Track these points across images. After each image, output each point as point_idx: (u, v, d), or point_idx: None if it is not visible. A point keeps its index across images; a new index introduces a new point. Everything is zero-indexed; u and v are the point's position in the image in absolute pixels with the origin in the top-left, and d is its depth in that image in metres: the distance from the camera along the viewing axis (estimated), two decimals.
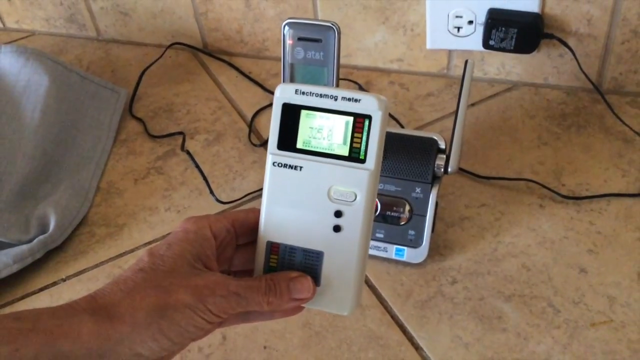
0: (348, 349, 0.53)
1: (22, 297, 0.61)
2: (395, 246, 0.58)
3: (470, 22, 0.72)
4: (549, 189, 0.63)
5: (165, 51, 0.90)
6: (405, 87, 0.79)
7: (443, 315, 0.54)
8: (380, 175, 0.56)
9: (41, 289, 0.61)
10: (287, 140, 0.38)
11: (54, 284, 0.62)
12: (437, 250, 0.59)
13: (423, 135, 0.58)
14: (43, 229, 0.65)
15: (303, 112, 0.38)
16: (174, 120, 0.80)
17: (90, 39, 0.97)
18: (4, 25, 1.02)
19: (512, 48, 0.71)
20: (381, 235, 0.58)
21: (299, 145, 0.38)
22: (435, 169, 0.56)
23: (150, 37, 0.92)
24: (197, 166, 0.72)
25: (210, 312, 0.35)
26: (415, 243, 0.57)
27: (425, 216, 0.57)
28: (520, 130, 0.71)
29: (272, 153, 0.38)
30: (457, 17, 0.72)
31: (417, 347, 0.52)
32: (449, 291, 0.56)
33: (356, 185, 0.37)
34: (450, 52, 0.77)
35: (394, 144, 0.58)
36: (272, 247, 0.39)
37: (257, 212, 0.39)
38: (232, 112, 0.79)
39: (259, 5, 0.82)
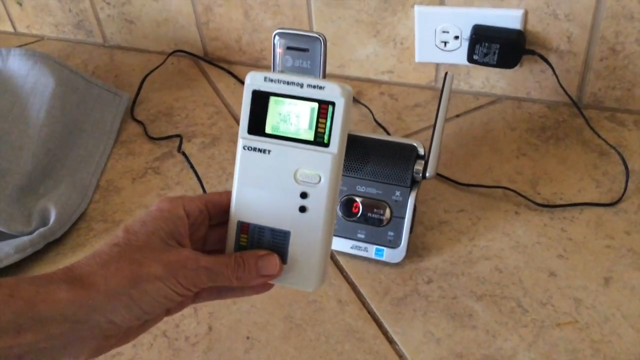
0: (326, 341, 0.56)
1: None
2: (375, 246, 0.61)
3: (456, 37, 0.76)
4: (524, 197, 0.66)
5: (167, 58, 0.94)
6: (394, 97, 0.83)
7: (417, 312, 0.57)
8: (363, 179, 0.60)
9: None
10: (257, 125, 0.41)
11: (29, 262, 0.65)
12: (415, 252, 0.62)
13: (404, 141, 0.61)
14: (44, 222, 0.69)
15: (271, 99, 0.40)
16: (172, 123, 0.83)
17: (97, 45, 1.01)
18: (14, 29, 1.06)
19: (495, 63, 0.74)
20: (362, 236, 0.61)
21: (268, 130, 0.41)
22: (414, 173, 0.59)
23: (154, 45, 0.96)
24: (192, 167, 0.75)
25: (180, 285, 0.38)
26: (394, 244, 0.60)
27: (404, 218, 0.60)
28: (501, 141, 0.74)
29: (243, 137, 0.41)
30: (443, 32, 0.76)
31: (391, 341, 0.55)
32: (424, 290, 0.59)
33: (320, 168, 0.40)
34: (437, 65, 0.81)
35: (376, 149, 0.61)
36: (242, 226, 0.42)
37: (229, 194, 0.42)
38: (229, 117, 0.83)
39: (257, 17, 0.86)
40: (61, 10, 1.00)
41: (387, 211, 0.60)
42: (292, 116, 0.40)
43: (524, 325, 0.55)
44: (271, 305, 0.59)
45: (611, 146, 0.71)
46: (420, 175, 0.59)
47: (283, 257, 0.41)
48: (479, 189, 0.68)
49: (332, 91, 0.39)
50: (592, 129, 0.73)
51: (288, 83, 0.40)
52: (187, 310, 0.59)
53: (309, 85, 0.40)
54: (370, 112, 0.80)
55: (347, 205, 0.61)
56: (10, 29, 1.06)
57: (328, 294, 0.60)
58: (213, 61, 0.93)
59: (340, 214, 0.61)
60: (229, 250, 0.42)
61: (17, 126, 0.76)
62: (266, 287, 0.43)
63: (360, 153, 0.61)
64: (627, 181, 0.67)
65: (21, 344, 0.34)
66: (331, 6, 0.80)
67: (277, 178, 0.41)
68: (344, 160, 0.41)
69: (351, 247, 0.62)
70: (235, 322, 0.58)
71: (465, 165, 0.71)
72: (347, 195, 0.61)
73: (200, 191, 0.72)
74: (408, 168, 0.59)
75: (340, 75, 0.86)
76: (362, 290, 0.60)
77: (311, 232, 0.41)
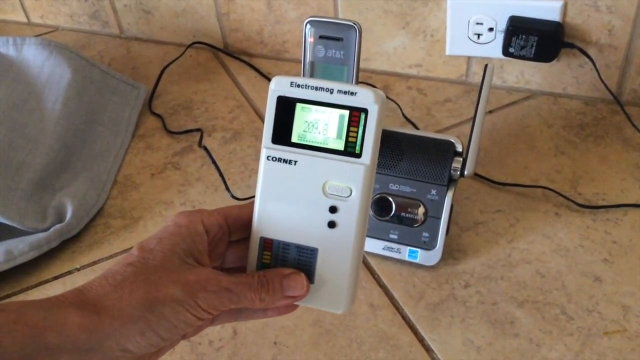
0: (358, 348, 0.52)
1: (37, 285, 0.62)
2: (409, 248, 0.58)
3: (491, 29, 0.72)
4: (565, 197, 0.63)
5: (186, 50, 0.91)
6: (423, 92, 0.79)
7: (455, 318, 0.54)
8: (397, 176, 0.57)
9: (55, 277, 0.62)
10: (282, 134, 0.38)
11: (69, 272, 0.62)
12: (451, 254, 0.59)
13: (440, 137, 0.58)
14: (60, 218, 0.66)
15: (298, 106, 0.37)
16: (192, 117, 0.80)
17: (113, 36, 0.98)
18: (28, 20, 1.04)
19: (532, 56, 0.71)
20: (395, 237, 0.58)
21: (294, 139, 0.37)
22: (452, 171, 0.56)
23: (172, 36, 0.93)
24: (214, 162, 0.72)
25: (200, 308, 0.34)
26: (429, 245, 0.57)
27: (440, 218, 0.57)
28: (537, 139, 0.71)
29: (267, 147, 0.38)
30: (477, 23, 0.73)
31: (427, 349, 0.52)
32: (462, 294, 0.56)
33: (352, 180, 0.37)
34: (469, 59, 0.78)
35: (410, 145, 0.58)
36: (266, 243, 0.38)
37: (251, 207, 0.39)
38: (250, 112, 0.80)
39: (280, 7, 0.83)
40: (77, 1, 0.97)
41: (422, 211, 0.57)
42: (320, 124, 0.37)
43: (569, 334, 0.52)
44: (300, 308, 0.55)
45: None
46: (459, 173, 0.56)
47: (310, 277, 0.38)
48: (516, 188, 0.65)
49: (365, 98, 0.36)
50: (634, 125, 0.70)
51: (317, 89, 0.37)
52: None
53: (339, 91, 0.36)
54: (399, 107, 0.77)
55: (380, 204, 0.58)
56: (24, 19, 1.04)
57: (360, 298, 0.56)
58: (233, 53, 0.90)
59: (372, 213, 0.58)
60: (251, 268, 0.39)
61: (32, 118, 0.73)
62: (290, 308, 0.39)
63: (394, 149, 0.58)
64: None
65: None
66: None
67: (304, 191, 0.37)
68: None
69: (383, 249, 0.59)
70: (261, 327, 0.55)
71: (500, 163, 0.68)
72: (379, 193, 0.58)
73: (222, 187, 0.69)
74: (445, 165, 0.56)
75: (366, 68, 0.83)
76: (395, 295, 0.56)
77: (341, 250, 0.37)
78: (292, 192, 0.38)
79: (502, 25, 0.71)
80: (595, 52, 0.71)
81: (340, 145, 0.37)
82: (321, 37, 0.53)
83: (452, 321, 0.54)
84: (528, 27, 0.70)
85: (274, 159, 0.38)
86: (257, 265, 0.39)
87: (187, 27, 0.92)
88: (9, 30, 1.03)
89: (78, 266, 0.63)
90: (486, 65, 0.59)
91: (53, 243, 0.63)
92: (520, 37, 0.70)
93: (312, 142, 0.37)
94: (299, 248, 0.38)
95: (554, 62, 0.73)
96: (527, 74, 0.76)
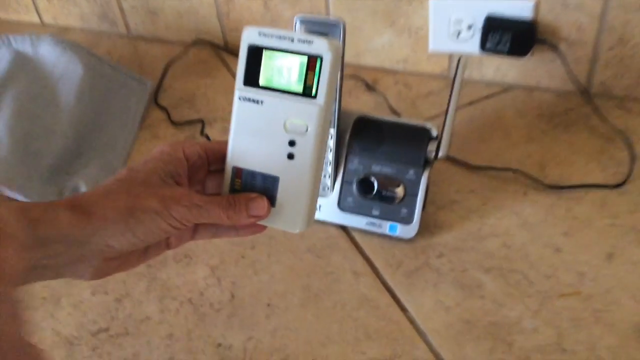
0: (342, 309, 0.59)
1: None
2: (389, 222, 0.64)
3: (469, 27, 0.79)
4: (533, 178, 0.69)
5: (188, 48, 0.97)
6: (408, 86, 0.86)
7: (428, 283, 0.60)
8: (378, 159, 0.63)
9: None
10: (252, 78, 0.43)
11: None
12: (427, 229, 0.65)
13: (417, 123, 0.64)
14: None
15: (265, 52, 0.43)
16: (194, 109, 0.87)
17: (121, 35, 1.05)
18: (41, 21, 1.10)
19: (507, 52, 0.77)
20: (377, 213, 0.64)
21: (261, 82, 0.43)
22: (427, 153, 0.62)
23: (176, 35, 1.00)
24: None
25: (173, 219, 0.41)
26: (407, 220, 0.63)
27: (416, 196, 0.63)
28: (511, 128, 0.77)
29: (239, 89, 0.44)
30: (457, 22, 0.79)
31: (403, 309, 0.58)
32: (435, 263, 0.62)
33: (308, 119, 0.42)
34: (450, 55, 0.84)
35: (391, 131, 0.64)
36: (237, 172, 0.45)
37: (227, 143, 0.45)
38: None
39: (276, 7, 0.89)
40: (86, 1, 1.04)
41: (401, 189, 0.63)
42: (284, 69, 0.43)
43: (529, 296, 0.58)
44: (290, 276, 0.62)
45: (617, 131, 0.74)
46: (433, 155, 0.62)
47: (272, 201, 0.44)
48: (489, 171, 0.71)
49: (320, 46, 0.42)
50: (599, 115, 0.76)
51: (280, 37, 0.42)
52: (211, 280, 0.63)
53: (299, 40, 0.42)
54: (386, 99, 0.83)
55: (363, 184, 0.64)
56: (37, 20, 1.11)
57: (344, 266, 0.63)
58: (233, 51, 0.97)
59: (356, 192, 0.65)
60: (224, 192, 0.45)
61: (49, 110, 0.79)
62: (257, 228, 0.46)
63: (376, 134, 0.64)
64: (631, 164, 0.69)
65: (30, 258, 0.38)
66: None
67: (269, 127, 0.43)
68: (361, 141, 0.44)
69: (366, 224, 0.65)
70: (256, 291, 0.61)
71: (476, 149, 0.74)
72: (363, 174, 0.64)
73: None
74: (421, 148, 0.62)
75: (356, 64, 0.89)
76: (377, 264, 0.63)
77: (298, 179, 0.43)
78: (259, 128, 0.44)
79: (480, 23, 0.77)
80: (565, 47, 0.77)
81: (299, 88, 0.42)
82: (309, 32, 0.60)
83: (426, 285, 0.60)
84: (503, 25, 0.76)
85: (245, 99, 0.44)
86: (229, 190, 0.45)
87: (190, 26, 0.98)
88: (23, 30, 1.09)
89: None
90: (460, 58, 0.65)
91: None
92: (496, 34, 0.76)
93: (277, 85, 0.43)
94: (264, 176, 0.44)
95: (528, 57, 0.79)
96: (504, 69, 0.82)
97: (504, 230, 0.64)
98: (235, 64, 0.95)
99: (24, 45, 0.85)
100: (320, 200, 0.66)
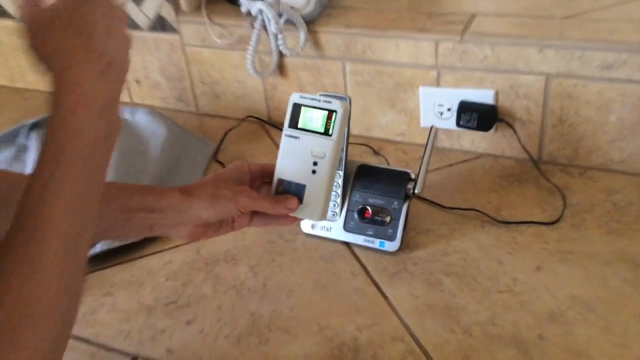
0: (341, 295, 0.83)
1: (137, 259, 0.95)
2: (380, 240, 0.89)
3: (449, 109, 1.07)
4: (489, 216, 0.94)
5: (242, 121, 1.28)
6: (405, 152, 1.13)
7: (404, 281, 0.84)
8: (373, 193, 0.89)
9: (153, 253, 0.95)
10: (293, 123, 0.71)
11: (161, 251, 0.95)
12: (407, 246, 0.90)
13: (401, 169, 0.90)
14: None
15: (302, 108, 0.71)
16: None
17: (191, 112, 1.37)
18: (132, 100, 1.44)
19: (475, 127, 1.04)
20: (371, 233, 0.89)
21: (299, 125, 0.71)
22: (407, 190, 0.88)
23: (233, 112, 1.31)
24: None
25: (239, 204, 0.67)
26: (392, 238, 0.88)
27: (399, 220, 0.88)
28: (478, 183, 1.03)
29: (285, 129, 0.71)
30: (439, 105, 1.07)
31: (384, 296, 0.82)
32: (410, 269, 0.86)
33: (326, 148, 0.69)
34: (437, 130, 1.11)
35: (384, 174, 0.91)
36: (280, 181, 0.71)
37: (275, 164, 0.72)
38: None
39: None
40: (168, 87, 1.37)
41: (389, 216, 0.89)
42: (313, 118, 0.70)
43: (475, 291, 0.81)
44: (306, 274, 0.87)
45: (555, 187, 0.98)
46: (411, 190, 0.88)
47: (300, 199, 0.70)
48: (457, 210, 0.96)
49: (335, 104, 0.70)
50: (545, 177, 1.01)
51: (312, 99, 0.71)
52: (250, 274, 0.88)
53: (323, 101, 0.70)
54: (387, 161, 1.11)
55: (361, 212, 0.90)
56: (129, 100, 1.45)
57: (345, 269, 0.87)
58: (275, 124, 1.27)
59: (356, 217, 0.90)
60: (272, 194, 0.72)
61: (141, 158, 1.09)
62: (291, 219, 0.72)
63: (372, 176, 0.91)
64: (563, 209, 0.93)
65: (151, 218, 0.65)
66: (362, 85, 1.13)
67: (301, 153, 0.70)
68: (361, 181, 0.73)
69: (363, 240, 0.90)
70: (281, 282, 0.86)
71: (450, 196, 1.00)
72: (361, 204, 0.90)
73: None
74: (403, 186, 0.88)
75: (367, 135, 1.17)
76: (369, 268, 0.87)
77: (318, 186, 0.70)
78: (295, 154, 0.71)
79: (456, 106, 1.05)
80: (519, 126, 1.04)
81: (322, 130, 0.70)
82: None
83: (402, 282, 0.84)
84: (472, 108, 1.04)
85: (288, 135, 0.71)
86: (275, 193, 0.71)
87: (244, 106, 1.29)
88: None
89: (168, 247, 0.96)
90: (431, 127, 0.92)
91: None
92: (467, 115, 1.04)
93: (308, 127, 0.70)
94: (296, 184, 0.70)
95: (493, 132, 1.06)
96: (477, 141, 1.09)
97: (463, 250, 0.88)
98: (276, 134, 1.26)
99: (124, 113, 1.17)
100: (331, 224, 0.91)
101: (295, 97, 0.72)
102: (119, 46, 0.54)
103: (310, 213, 0.71)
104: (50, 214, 0.45)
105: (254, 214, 0.72)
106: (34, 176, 0.47)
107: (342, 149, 0.88)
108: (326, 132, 0.70)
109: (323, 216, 0.71)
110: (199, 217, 0.67)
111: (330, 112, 0.70)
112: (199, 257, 0.93)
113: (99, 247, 0.92)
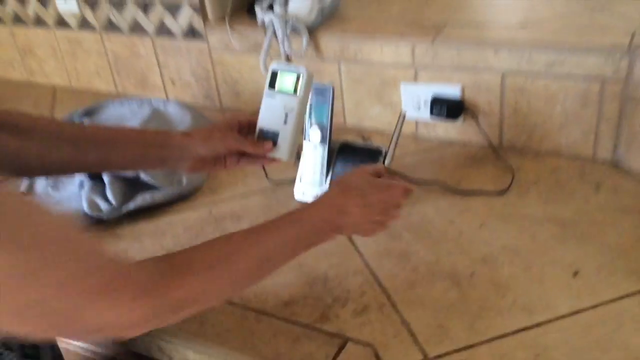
0: (339, 275, 1.04)
1: (161, 216, 1.17)
2: None
3: (425, 102, 1.27)
4: (450, 187, 1.13)
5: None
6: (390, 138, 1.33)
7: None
8: (352, 165, 1.10)
9: (173, 213, 1.18)
10: (272, 84, 0.94)
11: (179, 211, 1.18)
12: None
13: (375, 146, 1.11)
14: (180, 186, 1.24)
15: (279, 72, 0.94)
16: None
17: (215, 107, 1.60)
18: (167, 97, 1.69)
19: (445, 116, 1.24)
20: None
21: (276, 87, 0.94)
22: (378, 162, 1.09)
23: (250, 107, 1.54)
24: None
25: (229, 143, 0.91)
26: None
27: None
28: (446, 164, 1.22)
29: (265, 91, 0.94)
30: (417, 98, 1.27)
31: (353, 244, 1.02)
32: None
33: (294, 104, 0.92)
34: (416, 121, 1.32)
35: (361, 149, 1.11)
36: (260, 130, 0.94)
37: (258, 117, 0.95)
38: None
39: None
40: (197, 87, 1.61)
41: None
42: (286, 81, 0.93)
43: (426, 240, 1.01)
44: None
45: (509, 167, 1.17)
46: (383, 162, 1.08)
47: (275, 143, 0.93)
48: (424, 185, 1.16)
49: (301, 70, 0.92)
50: (502, 159, 1.20)
51: (286, 66, 0.94)
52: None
53: (294, 67, 0.93)
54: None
55: None
56: (164, 96, 1.69)
57: (342, 250, 1.08)
58: None
59: None
60: (255, 139, 0.95)
61: None
62: (270, 160, 0.95)
63: (352, 152, 1.12)
64: (511, 182, 1.12)
65: (162, 153, 0.89)
66: (354, 83, 1.34)
67: (276, 108, 0.93)
68: (343, 155, 0.93)
69: None
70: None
71: (421, 174, 1.19)
72: (343, 173, 1.11)
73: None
74: (376, 159, 1.09)
75: (359, 126, 1.38)
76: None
77: (287, 132, 0.92)
78: (272, 109, 0.94)
79: (430, 99, 1.25)
80: (482, 116, 1.23)
81: (292, 90, 0.93)
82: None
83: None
84: (442, 101, 1.24)
85: (268, 95, 0.94)
86: (257, 138, 0.94)
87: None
88: None
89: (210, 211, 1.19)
90: (400, 112, 1.13)
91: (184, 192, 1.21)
92: (438, 106, 1.24)
93: (283, 88, 0.93)
94: (273, 132, 0.93)
95: (462, 122, 1.25)
96: (449, 130, 1.29)
97: (423, 212, 1.08)
98: None
99: (158, 104, 1.42)
100: (317, 190, 1.12)
101: (273, 65, 0.95)
102: (366, 230, 0.89)
103: (281, 153, 0.94)
104: (260, 242, 0.77)
105: (242, 155, 0.95)
106: (273, 221, 0.80)
107: (326, 123, 1.09)
108: (295, 92, 0.93)
109: (291, 157, 0.94)
110: (197, 153, 0.91)
111: (298, 75, 0.93)
112: (210, 215, 1.15)
113: (132, 205, 1.15)
